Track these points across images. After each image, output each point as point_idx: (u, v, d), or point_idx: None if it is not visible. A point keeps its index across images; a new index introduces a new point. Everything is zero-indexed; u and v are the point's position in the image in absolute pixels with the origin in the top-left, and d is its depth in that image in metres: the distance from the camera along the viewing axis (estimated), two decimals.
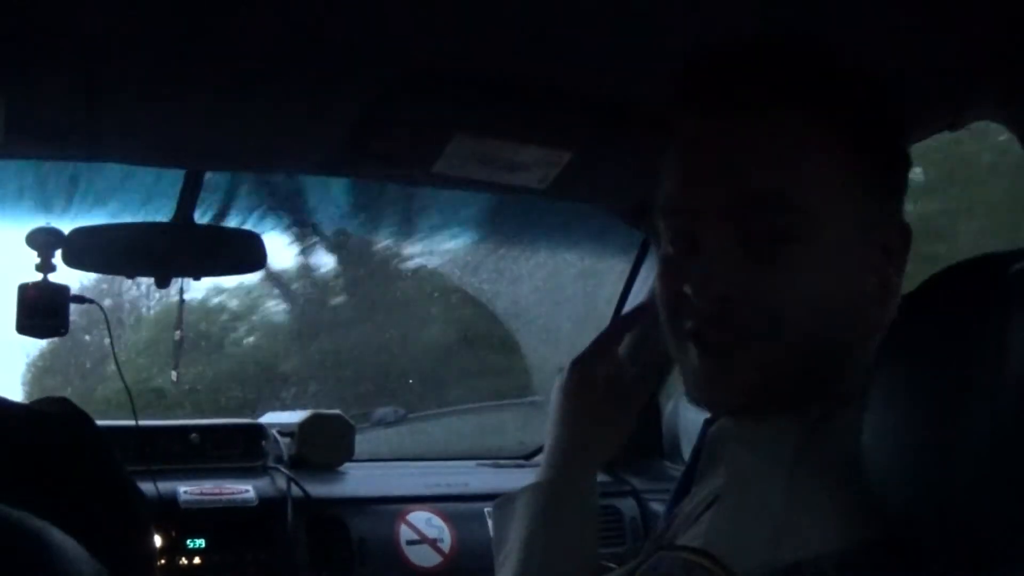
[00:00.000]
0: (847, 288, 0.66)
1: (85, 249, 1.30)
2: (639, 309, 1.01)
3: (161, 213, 1.36)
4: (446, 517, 1.63)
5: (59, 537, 0.49)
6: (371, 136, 1.10)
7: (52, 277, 1.32)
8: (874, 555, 0.57)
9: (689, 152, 0.69)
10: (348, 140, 1.10)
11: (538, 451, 1.85)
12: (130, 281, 1.54)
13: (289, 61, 0.93)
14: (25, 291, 1.31)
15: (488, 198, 1.55)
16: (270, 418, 1.87)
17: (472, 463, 1.92)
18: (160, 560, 1.42)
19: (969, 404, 0.52)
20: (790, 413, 0.65)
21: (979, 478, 0.51)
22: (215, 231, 1.43)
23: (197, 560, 1.46)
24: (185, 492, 1.51)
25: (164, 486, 1.51)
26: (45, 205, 1.38)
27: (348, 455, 1.75)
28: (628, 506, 1.75)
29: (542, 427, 0.90)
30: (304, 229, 2.04)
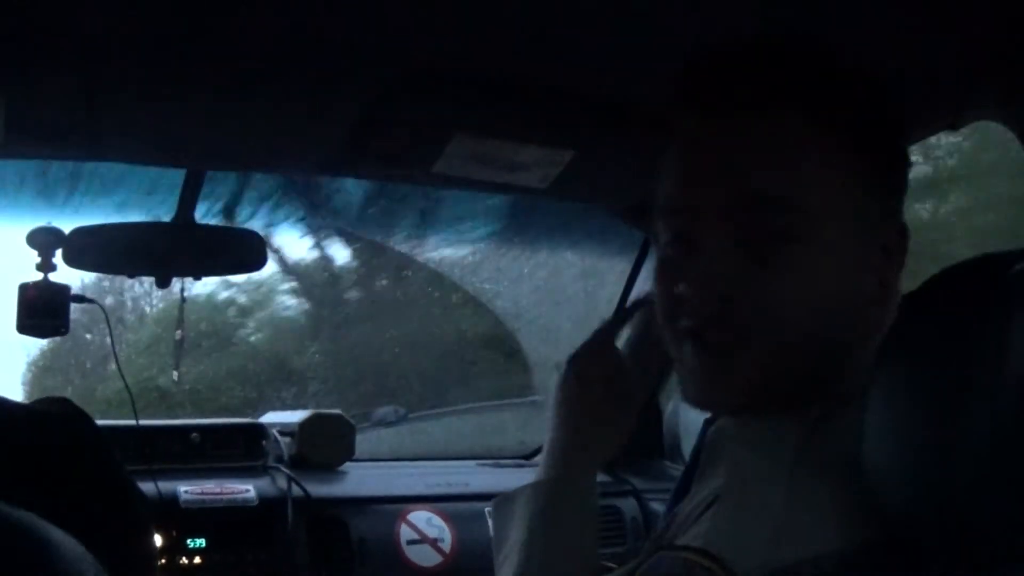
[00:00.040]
0: (847, 288, 0.66)
1: (85, 249, 1.30)
2: (635, 304, 1.01)
3: (166, 204, 1.36)
4: (447, 517, 1.63)
5: (59, 537, 0.49)
6: (371, 136, 1.10)
7: (53, 276, 1.32)
8: (874, 555, 0.57)
9: (689, 152, 0.69)
10: (348, 140, 1.10)
11: (539, 451, 1.85)
12: (132, 279, 1.54)
13: (289, 61, 0.93)
14: (26, 291, 1.31)
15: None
16: (270, 418, 1.87)
17: (472, 463, 1.92)
18: (161, 560, 1.42)
19: (969, 404, 0.52)
20: (790, 413, 0.65)
21: (979, 478, 0.51)
22: (216, 231, 1.43)
23: (198, 560, 1.46)
24: (186, 492, 1.51)
25: (165, 486, 1.51)
26: (47, 194, 1.37)
27: (348, 455, 1.75)
28: (629, 506, 1.75)
29: (542, 427, 0.90)
30: (318, 220, 2.02)
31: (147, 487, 1.47)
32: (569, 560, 0.82)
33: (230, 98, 1.02)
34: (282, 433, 1.73)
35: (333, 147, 1.12)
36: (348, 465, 1.76)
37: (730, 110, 0.66)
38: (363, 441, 1.86)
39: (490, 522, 1.36)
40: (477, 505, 1.63)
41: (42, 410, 0.70)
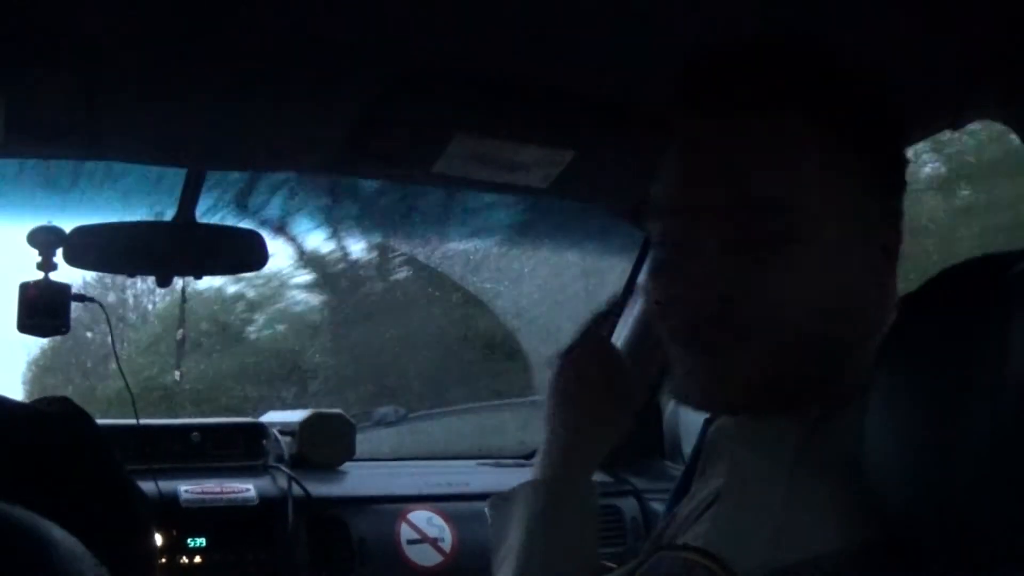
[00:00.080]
0: (846, 288, 0.66)
1: (86, 248, 1.30)
2: (624, 296, 1.01)
3: (172, 194, 1.35)
4: (447, 516, 1.63)
5: (60, 536, 0.49)
6: (371, 136, 1.10)
7: (53, 276, 1.32)
8: (874, 555, 0.57)
9: (688, 152, 0.69)
10: (348, 140, 1.10)
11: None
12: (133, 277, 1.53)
13: (289, 61, 0.93)
14: (26, 290, 1.31)
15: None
16: (271, 417, 1.87)
17: (473, 463, 1.92)
18: (161, 559, 1.42)
19: (969, 404, 0.52)
20: (790, 413, 0.65)
21: (979, 478, 0.51)
22: (216, 230, 1.42)
23: (198, 559, 1.46)
24: (186, 491, 1.51)
25: (165, 485, 1.51)
26: (48, 185, 1.37)
27: (349, 454, 1.75)
28: (629, 506, 1.75)
29: (543, 427, 0.90)
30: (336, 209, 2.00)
31: (147, 486, 1.47)
32: (569, 560, 0.82)
33: (230, 98, 1.02)
34: (282, 432, 1.73)
35: (333, 147, 1.12)
36: (348, 465, 1.76)
37: (730, 110, 0.66)
38: (363, 441, 1.86)
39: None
40: (477, 505, 1.62)
41: (42, 409, 0.70)
